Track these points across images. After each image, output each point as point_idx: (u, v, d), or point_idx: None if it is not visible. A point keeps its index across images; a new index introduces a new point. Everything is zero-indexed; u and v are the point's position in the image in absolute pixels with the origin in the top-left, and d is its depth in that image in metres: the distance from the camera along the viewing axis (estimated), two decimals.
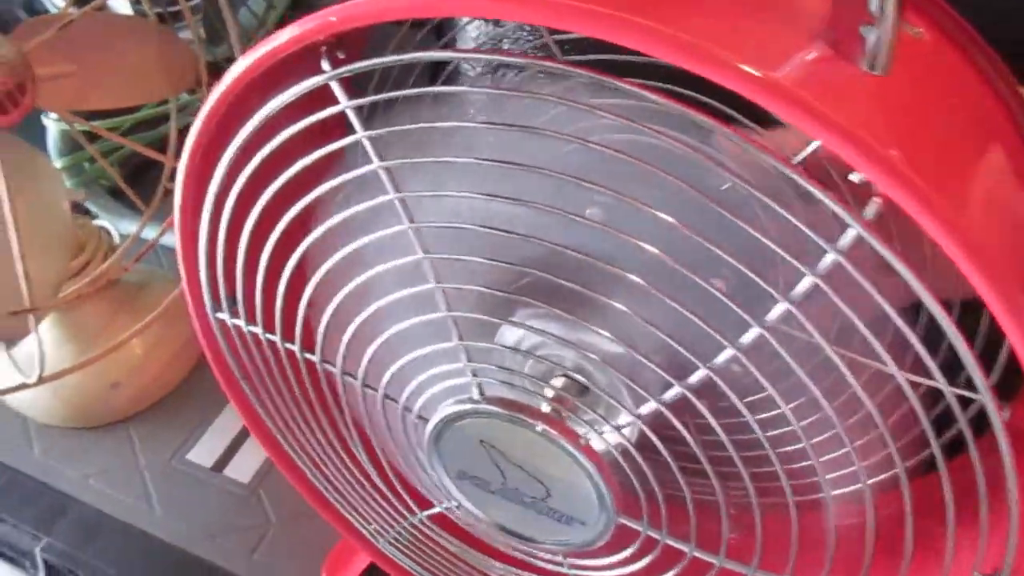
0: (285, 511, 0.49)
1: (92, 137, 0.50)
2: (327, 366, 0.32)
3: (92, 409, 0.53)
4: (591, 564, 0.31)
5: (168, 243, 0.51)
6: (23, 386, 0.43)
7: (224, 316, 0.33)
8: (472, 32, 0.46)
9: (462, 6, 0.21)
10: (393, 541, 0.39)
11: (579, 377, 0.28)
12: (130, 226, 0.62)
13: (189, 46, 0.46)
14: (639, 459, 0.27)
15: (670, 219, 0.22)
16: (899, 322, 0.20)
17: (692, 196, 0.22)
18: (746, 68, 0.19)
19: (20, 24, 0.38)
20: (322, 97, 0.25)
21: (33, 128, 0.60)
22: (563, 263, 0.25)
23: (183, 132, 0.51)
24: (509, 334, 0.29)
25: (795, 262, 0.20)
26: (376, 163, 0.24)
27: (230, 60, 0.58)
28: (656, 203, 0.23)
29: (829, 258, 0.20)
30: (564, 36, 0.34)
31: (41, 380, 0.43)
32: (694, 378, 0.24)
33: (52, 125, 0.59)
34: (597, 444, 0.27)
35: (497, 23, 0.42)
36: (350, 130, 0.25)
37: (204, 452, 0.52)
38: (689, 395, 0.24)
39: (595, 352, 0.26)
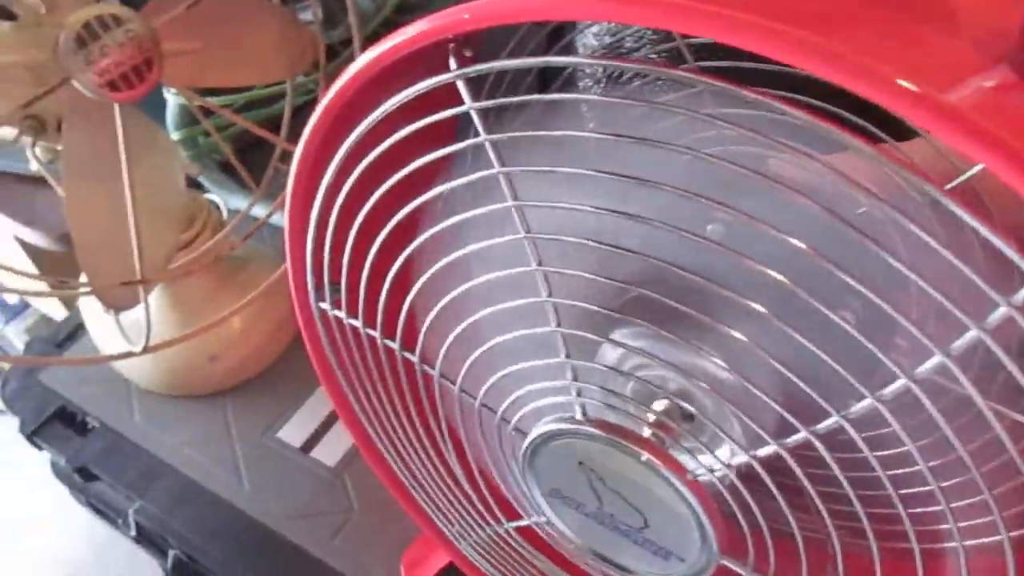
0: (368, 499, 0.49)
1: (207, 113, 0.51)
2: (425, 367, 0.31)
3: (190, 379, 0.54)
4: None
5: (275, 222, 0.52)
6: (129, 354, 0.44)
7: (326, 306, 0.33)
8: (593, 30, 0.44)
9: (603, 10, 0.20)
10: (475, 545, 0.39)
11: (686, 404, 0.27)
12: (238, 202, 0.63)
13: (308, 28, 0.46)
14: (747, 497, 0.25)
15: (800, 244, 0.20)
16: None
17: (823, 219, 0.20)
18: (912, 87, 0.17)
19: (149, 1, 0.38)
20: (437, 97, 0.24)
21: (150, 101, 0.62)
22: (673, 283, 0.24)
23: (296, 113, 0.52)
24: (610, 353, 0.28)
25: (960, 314, 0.18)
26: (497, 168, 0.23)
27: (345, 43, 0.59)
28: (782, 224, 0.21)
29: (1000, 311, 0.18)
30: (696, 40, 0.32)
31: (146, 349, 0.44)
32: (823, 425, 0.22)
33: (172, 99, 0.60)
34: (703, 478, 0.25)
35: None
36: (463, 133, 0.24)
37: (294, 432, 0.52)
38: (816, 442, 0.22)
39: (706, 380, 0.25)
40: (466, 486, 0.35)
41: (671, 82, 0.33)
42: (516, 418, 0.29)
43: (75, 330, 0.60)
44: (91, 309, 0.56)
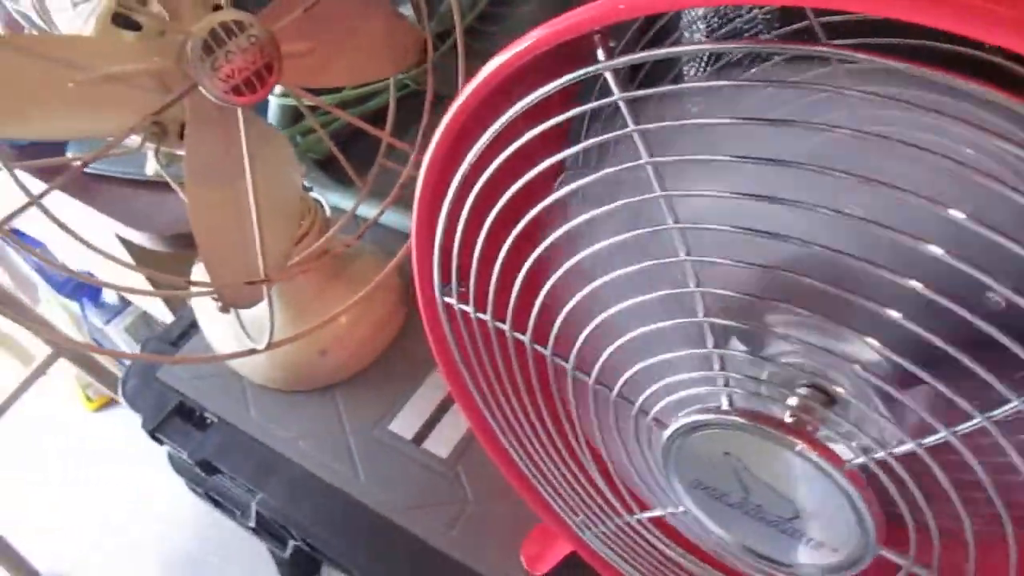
0: (483, 489, 0.49)
1: (312, 110, 0.52)
2: (557, 360, 0.31)
3: (302, 374, 0.55)
4: None
5: (382, 220, 0.52)
6: (253, 351, 0.45)
7: (452, 301, 0.33)
8: (701, 23, 0.43)
9: None
10: (601, 535, 0.38)
11: (836, 388, 0.26)
12: (337, 199, 0.64)
13: (412, 24, 0.46)
14: (912, 486, 0.24)
15: (959, 214, 0.20)
16: None
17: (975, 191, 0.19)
18: None
19: (269, 4, 0.39)
20: (557, 98, 0.24)
21: None
22: (821, 267, 0.23)
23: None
24: (752, 342, 0.27)
25: None
26: (645, 158, 0.23)
27: (441, 36, 0.59)
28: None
29: None
30: (828, 18, 0.31)
31: (270, 346, 0.45)
32: (999, 411, 0.21)
33: (273, 100, 0.62)
34: (859, 462, 0.25)
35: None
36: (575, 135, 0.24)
37: (405, 424, 0.53)
38: (991, 428, 0.21)
39: (862, 364, 0.24)
40: (596, 477, 0.35)
41: (787, 63, 0.32)
42: (656, 409, 0.29)
43: (188, 328, 0.62)
44: (205, 308, 0.58)
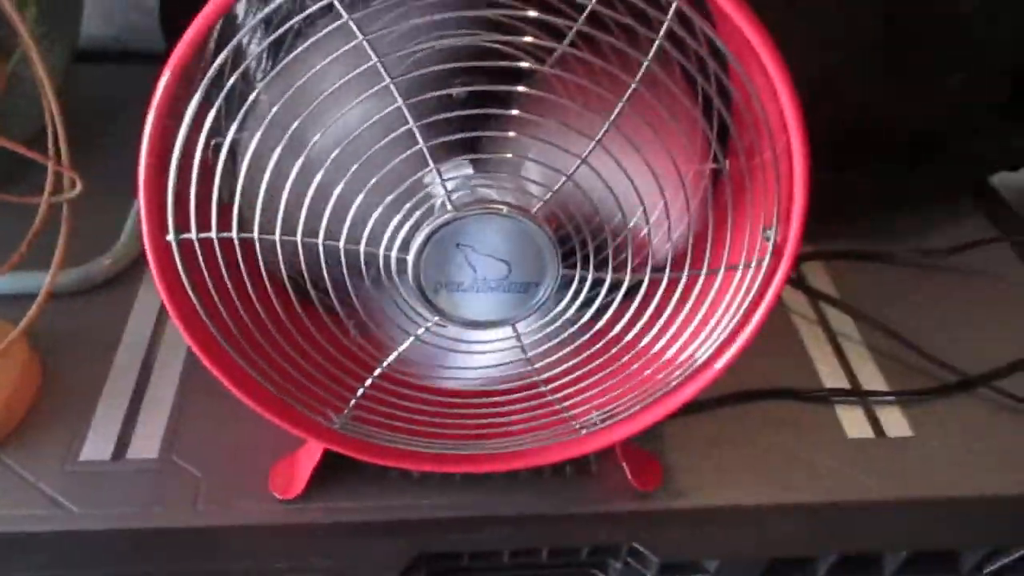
0: (210, 460, 0.52)
1: None
2: (286, 238, 0.39)
3: None
4: (540, 325, 0.43)
5: None
6: None
7: (191, 235, 0.39)
8: None
9: None
10: (353, 414, 0.46)
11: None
12: None
13: None
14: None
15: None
16: None
17: None
18: None
19: None
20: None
21: None
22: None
23: None
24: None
25: None
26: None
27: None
28: None
29: None
30: None
31: None
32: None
33: None
34: (542, 212, 0.39)
35: None
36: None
37: (96, 447, 0.53)
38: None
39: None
40: (341, 337, 0.43)
41: None
42: (397, 243, 0.39)
43: None
44: None
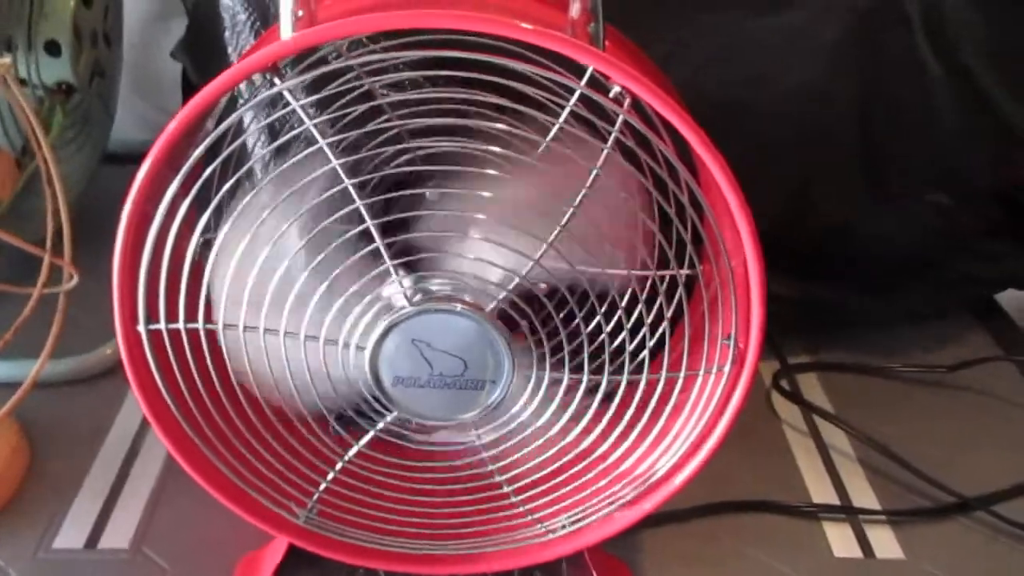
0: (179, 553, 0.52)
1: None
2: (242, 334, 0.40)
3: None
4: (498, 424, 0.43)
5: None
6: None
7: (159, 325, 0.40)
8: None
9: None
10: (318, 508, 0.46)
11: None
12: None
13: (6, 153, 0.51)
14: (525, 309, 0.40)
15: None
16: None
17: None
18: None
19: None
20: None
21: None
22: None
23: None
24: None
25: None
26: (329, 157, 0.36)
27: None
28: None
29: None
30: None
31: None
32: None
33: None
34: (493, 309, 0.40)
35: None
36: None
37: (71, 536, 0.53)
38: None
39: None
40: (302, 430, 0.43)
41: None
42: (356, 336, 0.40)
43: None
44: None
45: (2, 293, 0.53)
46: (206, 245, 0.40)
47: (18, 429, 0.58)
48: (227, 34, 0.59)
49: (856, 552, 0.56)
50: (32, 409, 0.60)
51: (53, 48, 0.66)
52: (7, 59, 0.49)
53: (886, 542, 0.57)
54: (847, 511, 0.59)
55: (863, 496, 0.60)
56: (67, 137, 0.72)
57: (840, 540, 0.56)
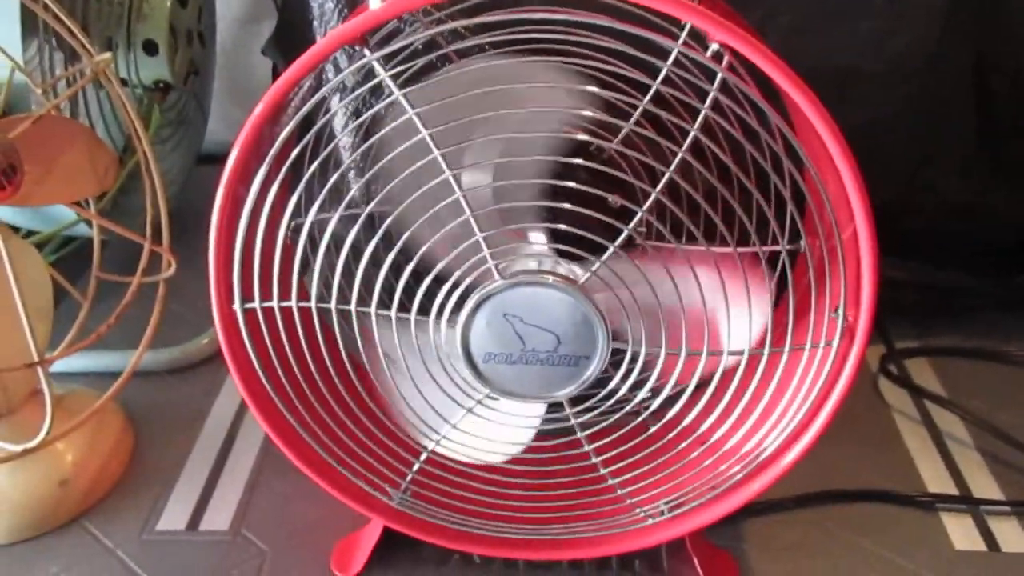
0: (276, 536, 0.53)
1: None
2: (360, 308, 0.40)
3: (46, 510, 0.54)
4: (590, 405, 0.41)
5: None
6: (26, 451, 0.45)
7: (254, 304, 0.41)
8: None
9: None
10: (411, 492, 0.46)
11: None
12: None
13: (108, 146, 0.53)
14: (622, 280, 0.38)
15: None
16: None
17: None
18: None
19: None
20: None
21: None
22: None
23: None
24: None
25: None
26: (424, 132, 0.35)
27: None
28: None
29: None
30: None
31: (44, 443, 0.45)
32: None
33: None
34: (589, 283, 0.38)
35: None
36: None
37: (173, 518, 0.54)
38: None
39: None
40: (394, 429, 0.43)
41: None
42: (449, 307, 0.39)
43: None
44: None
45: (106, 288, 0.55)
46: (297, 228, 0.40)
47: (123, 417, 0.60)
48: (315, 24, 0.59)
49: (980, 545, 0.52)
50: (135, 398, 0.62)
51: (151, 47, 0.68)
52: (107, 55, 0.50)
53: (1012, 535, 0.53)
54: (968, 501, 0.55)
55: (985, 486, 0.56)
56: (164, 135, 0.74)
57: (961, 532, 0.53)
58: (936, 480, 0.56)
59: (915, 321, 0.69)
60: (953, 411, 0.61)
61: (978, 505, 0.55)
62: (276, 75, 0.75)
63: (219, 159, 0.39)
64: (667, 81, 0.36)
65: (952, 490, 0.56)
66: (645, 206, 0.37)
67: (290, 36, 0.70)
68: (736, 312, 0.39)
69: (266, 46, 0.74)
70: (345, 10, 0.58)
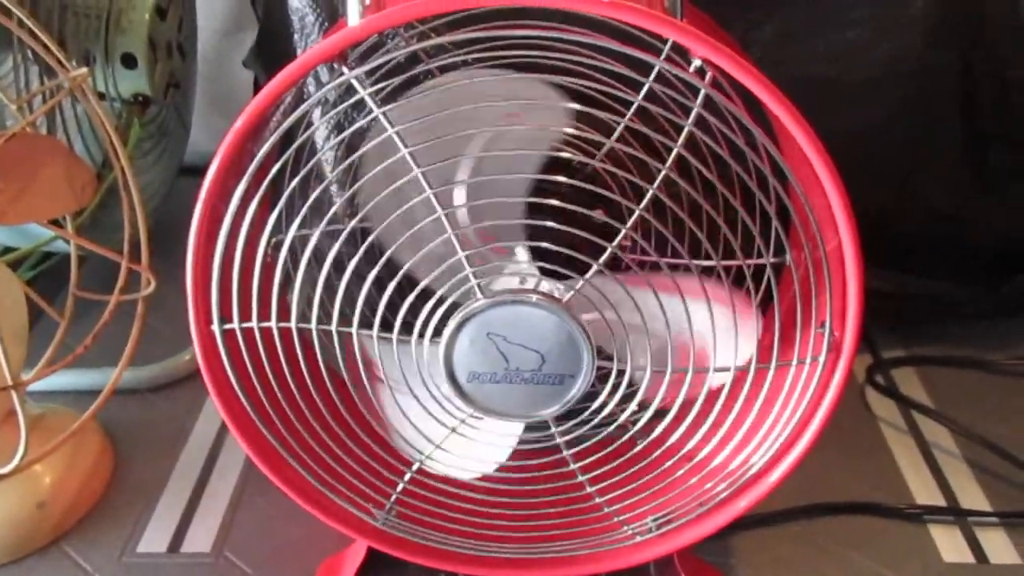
0: (261, 556, 0.52)
1: None
2: (342, 329, 0.39)
3: (23, 533, 0.52)
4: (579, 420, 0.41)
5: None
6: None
7: (233, 325, 0.40)
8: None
9: None
10: (395, 511, 0.45)
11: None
12: None
13: (86, 163, 0.52)
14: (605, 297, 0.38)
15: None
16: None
17: None
18: None
19: None
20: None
21: None
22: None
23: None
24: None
25: None
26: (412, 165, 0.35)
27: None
28: None
29: None
30: None
31: (18, 469, 0.44)
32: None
33: None
34: (570, 299, 0.38)
35: None
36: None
37: (154, 539, 0.53)
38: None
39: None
40: (375, 447, 0.43)
41: None
42: (431, 326, 0.39)
43: None
44: None
45: (84, 305, 0.54)
46: (277, 245, 0.39)
47: (102, 436, 0.59)
48: (296, 37, 0.59)
49: (968, 557, 0.52)
50: (115, 416, 0.61)
51: (129, 61, 0.67)
52: (83, 70, 0.49)
53: (1000, 546, 0.53)
54: (956, 513, 0.55)
55: (972, 497, 0.56)
56: (144, 148, 0.73)
57: (949, 544, 0.53)
58: (924, 491, 0.56)
59: (901, 330, 0.69)
60: (940, 422, 0.61)
61: (966, 516, 0.54)
62: (257, 88, 0.75)
63: (202, 170, 0.39)
64: (652, 97, 0.36)
65: (940, 501, 0.55)
66: (629, 223, 0.36)
67: (271, 48, 0.69)
68: (722, 330, 0.39)
69: (247, 58, 0.73)
70: (326, 24, 0.57)
